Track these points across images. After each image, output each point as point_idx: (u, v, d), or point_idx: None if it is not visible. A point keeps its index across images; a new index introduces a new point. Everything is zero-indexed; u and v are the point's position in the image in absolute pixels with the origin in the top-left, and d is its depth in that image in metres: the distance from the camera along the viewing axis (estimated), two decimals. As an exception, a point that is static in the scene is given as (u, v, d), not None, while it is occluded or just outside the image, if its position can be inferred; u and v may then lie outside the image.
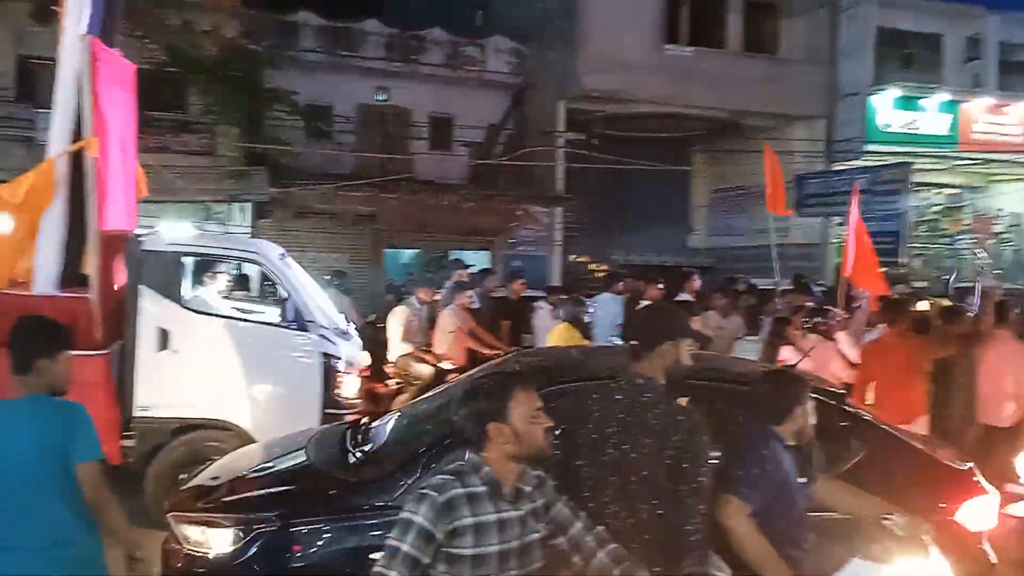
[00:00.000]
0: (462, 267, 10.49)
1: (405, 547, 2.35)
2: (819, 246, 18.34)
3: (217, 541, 3.73)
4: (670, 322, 3.10)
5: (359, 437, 4.62)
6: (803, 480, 3.33)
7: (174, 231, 6.94)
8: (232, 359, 6.47)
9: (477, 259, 18.07)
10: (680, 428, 2.85)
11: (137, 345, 6.30)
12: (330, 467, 4.18)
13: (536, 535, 2.55)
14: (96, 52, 5.70)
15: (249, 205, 16.09)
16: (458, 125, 18.44)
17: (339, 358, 6.76)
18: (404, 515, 2.40)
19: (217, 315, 6.78)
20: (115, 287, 6.37)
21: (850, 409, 4.37)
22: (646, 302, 7.85)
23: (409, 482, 3.66)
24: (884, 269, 13.95)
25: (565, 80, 16.96)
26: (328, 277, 10.07)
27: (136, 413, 6.29)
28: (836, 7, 17.92)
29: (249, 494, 4.08)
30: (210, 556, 3.72)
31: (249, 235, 14.41)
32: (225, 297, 7.74)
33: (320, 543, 3.63)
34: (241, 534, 3.67)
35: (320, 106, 17.49)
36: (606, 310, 8.71)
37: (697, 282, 9.94)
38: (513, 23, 18.82)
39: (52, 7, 11.77)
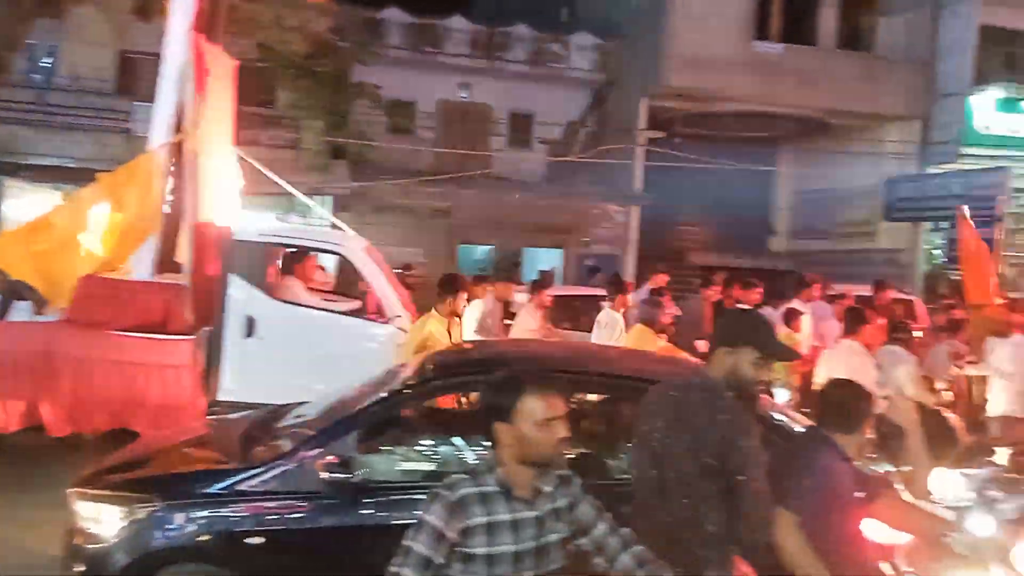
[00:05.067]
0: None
1: (417, 546, 2.32)
2: (906, 252, 17.65)
3: (106, 520, 3.73)
4: (732, 329, 3.06)
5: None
6: (861, 495, 3.22)
7: (263, 222, 7.13)
8: (315, 348, 6.61)
9: (550, 257, 18.05)
10: (723, 432, 2.80)
11: (225, 331, 6.49)
12: (223, 452, 4.22)
13: (556, 535, 2.50)
14: (199, 47, 5.88)
15: (330, 199, 16.41)
16: (538, 122, 18.44)
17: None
18: (418, 515, 2.39)
19: (301, 305, 6.92)
20: (207, 275, 6.58)
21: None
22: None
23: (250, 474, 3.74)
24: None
25: (649, 77, 16.75)
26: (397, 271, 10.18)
27: (220, 397, 6.47)
28: (938, 3, 17.16)
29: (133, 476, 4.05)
30: (100, 534, 3.73)
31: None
32: (310, 288, 7.90)
33: (191, 526, 3.65)
34: (124, 514, 3.68)
35: (403, 102, 17.72)
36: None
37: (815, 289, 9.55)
38: (598, 19, 18.71)
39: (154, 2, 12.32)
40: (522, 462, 2.45)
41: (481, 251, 19.70)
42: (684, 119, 17.63)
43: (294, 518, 3.67)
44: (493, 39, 18.15)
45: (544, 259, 18.04)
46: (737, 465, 2.80)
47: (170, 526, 3.65)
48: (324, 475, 3.59)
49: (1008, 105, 16.36)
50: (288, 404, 4.86)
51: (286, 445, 3.99)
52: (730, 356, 2.92)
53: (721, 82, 16.22)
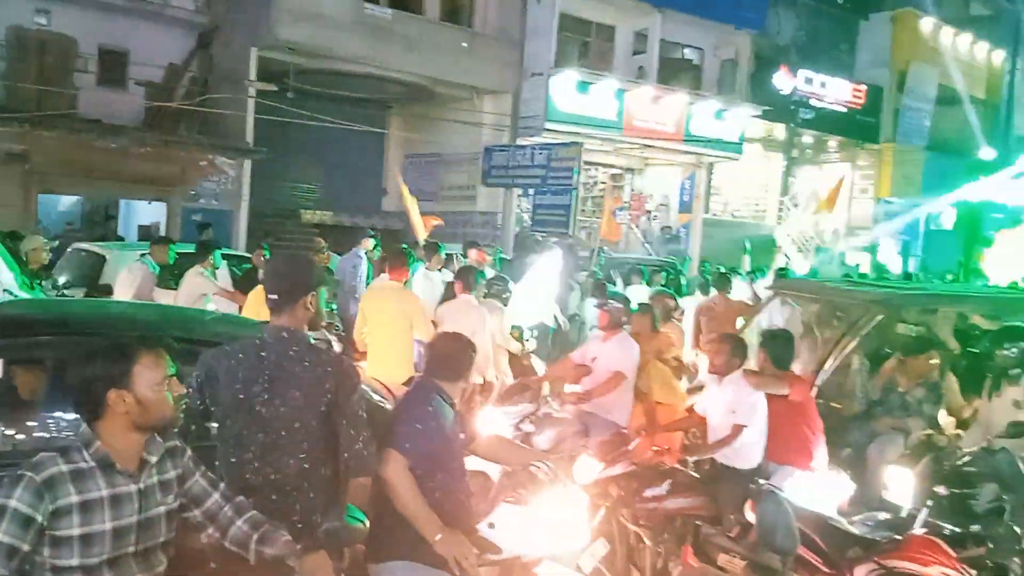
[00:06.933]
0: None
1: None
2: (501, 214, 19.47)
3: None
4: (308, 273, 3.14)
5: None
6: (463, 436, 3.63)
7: None
8: None
9: (151, 211, 16.72)
10: (331, 378, 2.96)
11: None
12: None
13: (162, 508, 2.45)
14: None
15: None
16: (134, 62, 16.73)
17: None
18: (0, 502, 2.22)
19: None
20: None
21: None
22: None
23: None
24: (554, 240, 15.35)
25: (258, 26, 16.07)
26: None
27: None
28: (527, -13, 18.92)
29: None
30: None
31: None
32: None
33: None
34: None
35: (-39, 24, 14.87)
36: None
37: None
38: (201, -43, 17.41)
39: None
40: (138, 429, 2.37)
41: (67, 202, 17.54)
42: (296, 74, 17.28)
43: None
44: (77, -38, 15.99)
45: (144, 213, 16.63)
46: (346, 411, 2.97)
47: None
48: None
49: (582, 87, 18.78)
50: None
51: None
52: (314, 300, 3.06)
53: (331, 40, 16.18)
